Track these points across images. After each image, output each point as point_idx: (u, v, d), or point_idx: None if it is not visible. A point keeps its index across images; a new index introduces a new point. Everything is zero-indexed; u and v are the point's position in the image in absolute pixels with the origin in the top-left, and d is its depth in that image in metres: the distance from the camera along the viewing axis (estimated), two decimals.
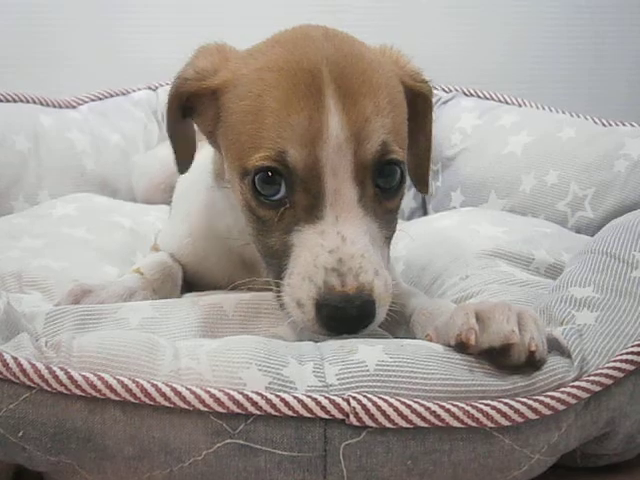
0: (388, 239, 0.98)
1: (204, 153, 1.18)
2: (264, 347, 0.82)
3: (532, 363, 0.81)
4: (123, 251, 1.36)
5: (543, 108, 1.79)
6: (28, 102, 1.77)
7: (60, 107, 1.83)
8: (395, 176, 0.94)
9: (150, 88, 2.02)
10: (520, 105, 1.83)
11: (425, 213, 1.89)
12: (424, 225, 1.47)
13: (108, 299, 1.04)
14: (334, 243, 0.88)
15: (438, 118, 1.87)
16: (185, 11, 2.18)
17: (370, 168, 0.91)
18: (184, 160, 1.10)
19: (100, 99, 1.91)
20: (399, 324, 1.02)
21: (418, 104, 1.06)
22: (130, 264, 1.31)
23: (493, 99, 1.88)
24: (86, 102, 1.88)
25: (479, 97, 1.90)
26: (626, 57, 2.36)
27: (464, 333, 0.81)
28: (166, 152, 1.68)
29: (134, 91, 1.99)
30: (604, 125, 1.66)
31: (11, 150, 1.65)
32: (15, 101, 1.75)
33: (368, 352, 0.82)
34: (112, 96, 1.94)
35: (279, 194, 0.91)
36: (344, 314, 0.86)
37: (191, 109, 1.03)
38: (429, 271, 1.24)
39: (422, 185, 1.17)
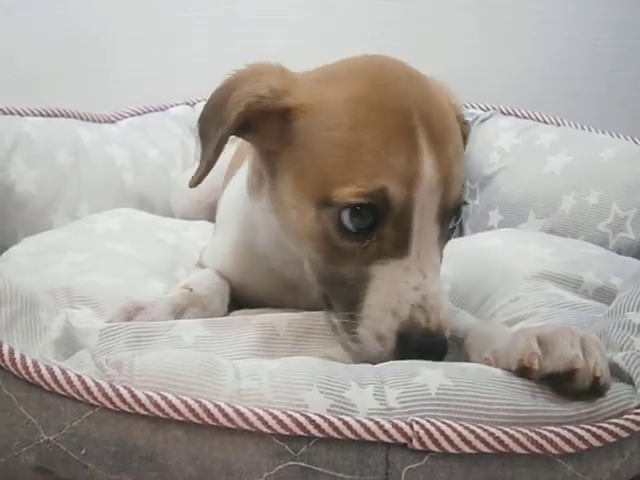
0: None
1: (244, 168, 1.19)
2: (325, 369, 0.82)
3: (596, 389, 0.80)
4: (166, 267, 1.36)
5: (583, 128, 1.79)
6: (68, 117, 1.78)
7: (100, 122, 1.84)
8: (460, 216, 1.01)
9: (188, 104, 2.03)
10: (559, 124, 1.83)
11: (461, 232, 1.88)
12: (467, 245, 1.46)
13: (160, 316, 1.03)
14: (418, 280, 0.92)
15: (476, 137, 1.87)
16: (221, 25, 2.20)
17: (452, 210, 0.97)
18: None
19: (139, 114, 1.92)
20: (450, 347, 1.02)
21: None
22: (173, 280, 1.32)
23: (531, 118, 1.87)
24: (125, 117, 1.90)
25: (517, 116, 1.90)
26: None
27: (527, 357, 0.81)
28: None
29: (172, 106, 2.00)
30: None
31: (52, 165, 1.66)
32: (56, 116, 1.76)
33: (429, 376, 0.82)
34: (150, 111, 1.95)
35: (367, 227, 0.93)
36: (426, 349, 0.90)
37: (247, 126, 1.02)
38: (478, 292, 1.24)
39: None
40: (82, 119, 1.81)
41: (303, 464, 0.75)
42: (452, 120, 1.00)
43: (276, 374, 0.80)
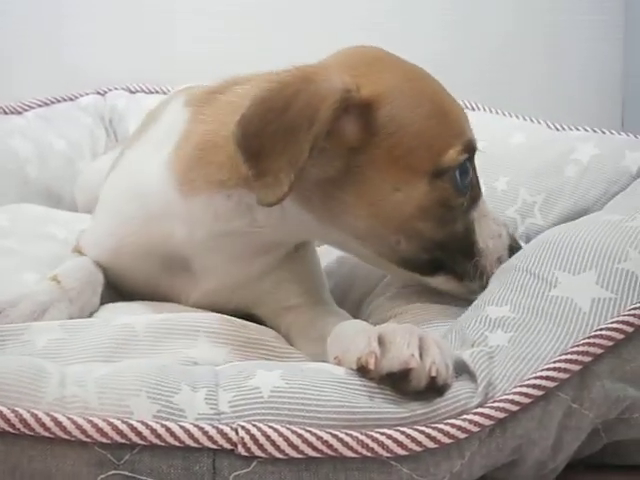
0: None
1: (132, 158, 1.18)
2: (157, 372, 0.79)
3: (435, 389, 0.78)
4: (51, 260, 1.31)
5: (497, 112, 1.77)
6: None
7: (5, 113, 1.80)
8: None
9: (99, 93, 2.00)
10: (474, 109, 1.80)
11: None
12: None
13: (17, 319, 0.99)
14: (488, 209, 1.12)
15: None
16: (132, 16, 2.15)
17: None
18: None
19: (47, 104, 1.88)
20: (315, 343, 1.03)
21: None
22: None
23: None
24: (32, 108, 1.86)
25: None
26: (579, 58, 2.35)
27: (364, 357, 0.79)
28: (105, 164, 1.67)
29: (82, 96, 1.97)
30: (557, 129, 1.64)
31: None
32: None
33: (264, 377, 0.79)
34: (59, 101, 1.91)
35: (470, 179, 1.06)
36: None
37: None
38: (358, 288, 1.22)
39: None
40: None
41: (126, 473, 0.73)
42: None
43: (104, 380, 0.78)
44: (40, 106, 1.87)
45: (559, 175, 1.49)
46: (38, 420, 0.72)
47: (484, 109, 1.79)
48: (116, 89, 2.01)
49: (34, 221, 1.47)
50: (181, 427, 0.74)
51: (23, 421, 0.72)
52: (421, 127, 1.00)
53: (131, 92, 2.02)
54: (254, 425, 0.74)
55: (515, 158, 1.58)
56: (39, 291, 1.07)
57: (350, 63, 1.03)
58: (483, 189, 1.56)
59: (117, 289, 1.19)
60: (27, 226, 1.43)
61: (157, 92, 1.98)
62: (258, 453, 0.73)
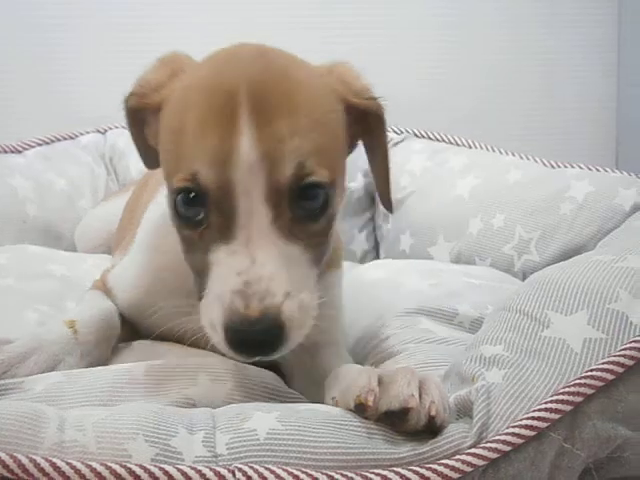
0: (317, 261, 0.95)
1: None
2: (154, 416, 0.80)
3: (433, 429, 0.80)
4: (51, 297, 1.33)
5: (493, 150, 1.79)
6: None
7: (5, 152, 1.81)
8: (318, 199, 0.92)
9: (99, 131, 2.02)
10: (470, 147, 1.83)
11: (377, 255, 1.88)
12: (355, 276, 1.44)
13: (36, 372, 0.97)
14: (243, 265, 0.86)
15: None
16: (132, 54, 2.17)
17: (285, 190, 0.89)
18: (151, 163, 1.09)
19: (47, 143, 1.90)
20: (315, 386, 1.02)
21: (370, 122, 1.03)
22: (58, 310, 1.29)
23: (444, 141, 1.87)
24: (32, 147, 1.87)
25: (430, 139, 1.90)
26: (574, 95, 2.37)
27: (363, 394, 0.80)
28: (106, 211, 1.68)
29: (82, 134, 1.99)
30: (552, 167, 1.66)
31: None
32: None
33: (261, 420, 0.80)
34: (59, 140, 1.93)
35: (199, 214, 0.91)
36: (248, 338, 0.84)
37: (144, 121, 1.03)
38: (354, 331, 1.23)
39: (386, 204, 1.16)
40: None
41: None
42: (300, 97, 0.92)
43: (103, 424, 0.79)
44: (40, 145, 1.89)
45: (555, 212, 1.52)
46: (37, 465, 0.73)
47: (479, 147, 1.81)
48: (116, 127, 2.03)
49: (33, 259, 1.49)
50: (178, 470, 0.74)
51: (22, 467, 0.73)
52: (165, 139, 0.95)
53: None
54: (251, 467, 0.75)
55: (511, 195, 1.61)
56: (53, 341, 1.03)
57: (197, 63, 1.02)
58: (480, 226, 1.60)
59: (137, 327, 1.17)
60: (26, 265, 1.44)
61: None
62: None
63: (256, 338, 0.84)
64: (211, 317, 0.87)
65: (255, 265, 0.86)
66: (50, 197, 1.78)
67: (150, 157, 1.08)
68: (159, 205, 1.15)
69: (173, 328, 1.09)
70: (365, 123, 1.02)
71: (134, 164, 1.93)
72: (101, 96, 2.10)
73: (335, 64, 1.04)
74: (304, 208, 0.91)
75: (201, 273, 0.92)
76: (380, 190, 1.14)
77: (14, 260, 1.47)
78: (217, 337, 0.87)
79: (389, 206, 1.15)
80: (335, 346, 1.13)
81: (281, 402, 0.95)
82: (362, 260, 1.85)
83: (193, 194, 0.90)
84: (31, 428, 0.77)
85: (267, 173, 0.87)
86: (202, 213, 0.90)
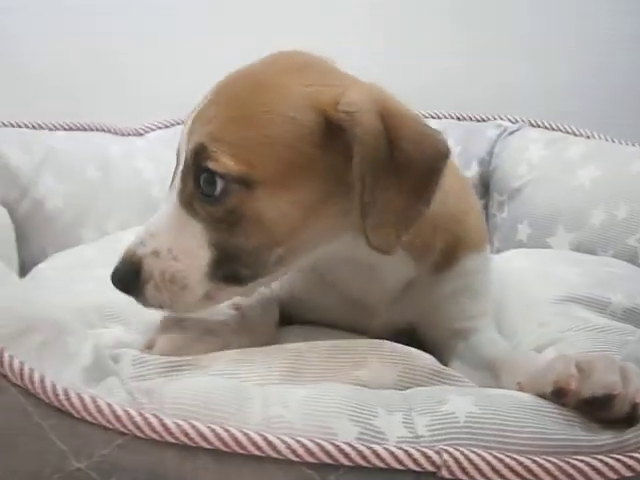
0: (220, 247, 0.97)
1: None
2: (354, 396, 0.82)
3: (634, 416, 0.79)
4: None
5: (612, 140, 1.78)
6: (96, 130, 1.80)
7: (127, 135, 1.85)
8: (214, 186, 0.95)
9: None
10: (588, 137, 1.82)
11: (490, 244, 1.87)
12: (501, 266, 1.44)
13: (206, 352, 0.99)
14: (150, 221, 1.02)
15: (505, 149, 1.87)
16: (237, 35, 2.20)
17: (188, 166, 0.98)
18: None
19: (167, 127, 1.93)
20: (475, 370, 1.03)
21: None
22: None
23: (560, 130, 1.86)
24: (153, 130, 1.91)
25: (546, 128, 1.89)
26: None
27: (563, 380, 0.80)
28: None
29: None
30: None
31: (81, 180, 1.68)
32: (84, 130, 1.78)
33: (457, 403, 0.81)
34: (178, 124, 1.95)
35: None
36: (113, 273, 0.99)
37: None
38: (502, 318, 1.23)
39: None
40: (110, 132, 1.82)
41: None
42: (246, 94, 0.97)
43: (305, 401, 0.80)
44: (160, 128, 1.92)
45: None
46: (250, 439, 0.75)
47: (598, 137, 1.80)
48: None
49: None
50: (386, 449, 0.75)
51: (235, 440, 0.75)
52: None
53: None
54: (456, 449, 0.76)
55: (636, 186, 1.59)
56: (223, 322, 1.07)
57: None
58: (603, 216, 1.59)
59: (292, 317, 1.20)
60: None
61: None
62: (460, 476, 0.75)
63: (115, 274, 0.99)
64: None
65: (151, 221, 1.01)
66: (169, 179, 1.80)
67: None
68: None
69: (321, 316, 1.14)
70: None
71: None
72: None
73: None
74: (202, 190, 0.96)
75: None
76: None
77: None
78: None
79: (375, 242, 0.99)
80: (487, 331, 1.14)
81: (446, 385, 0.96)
82: None
83: None
84: (238, 403, 0.79)
85: (186, 148, 0.99)
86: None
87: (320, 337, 1.07)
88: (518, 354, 0.97)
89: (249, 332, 1.07)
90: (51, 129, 1.72)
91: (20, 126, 1.68)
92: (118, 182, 1.73)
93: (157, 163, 1.81)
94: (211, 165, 0.94)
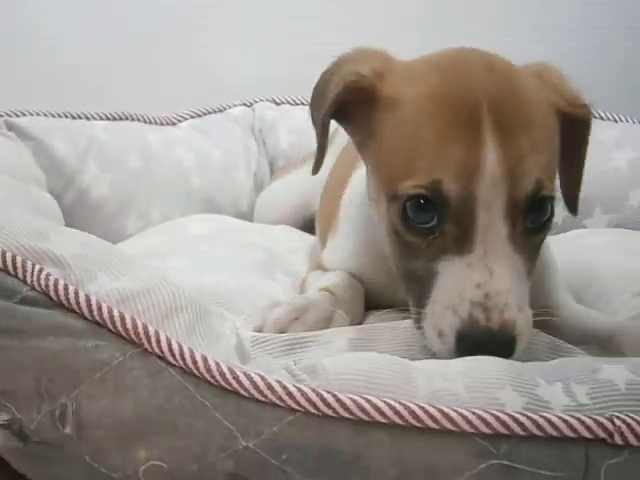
0: (529, 273, 0.96)
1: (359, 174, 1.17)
2: (512, 368, 0.82)
3: None
4: (264, 269, 1.35)
5: None
6: (133, 120, 1.78)
7: (161, 124, 1.83)
8: (546, 212, 0.94)
9: (245, 104, 2.02)
10: (616, 121, 1.84)
11: None
12: (573, 242, 1.47)
13: (314, 326, 1.00)
14: (482, 277, 0.88)
15: None
16: (276, 27, 2.19)
17: (523, 205, 0.91)
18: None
19: (199, 116, 1.91)
20: (577, 344, 1.03)
21: (575, 129, 1.02)
22: (273, 281, 1.31)
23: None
24: (185, 119, 1.89)
25: None
26: None
27: None
28: (289, 183, 1.70)
29: (230, 107, 1.99)
30: None
31: (124, 169, 1.66)
32: (121, 119, 1.75)
33: (612, 371, 0.82)
34: (210, 113, 1.94)
35: (430, 222, 0.92)
36: (485, 349, 0.86)
37: (346, 112, 1.02)
38: (591, 289, 1.24)
39: (572, 206, 1.15)
40: (145, 121, 1.80)
41: (506, 462, 0.75)
42: (534, 110, 0.94)
43: (467, 374, 0.80)
44: (192, 117, 1.90)
45: None
46: (426, 412, 0.75)
47: (630, 121, 1.83)
48: (262, 100, 2.04)
49: (231, 230, 1.50)
50: (558, 417, 0.76)
51: (412, 413, 0.75)
52: (395, 146, 0.95)
53: (277, 104, 2.04)
54: (628, 415, 0.77)
55: None
56: (321, 299, 1.07)
57: (416, 64, 1.02)
58: None
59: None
60: (227, 235, 1.46)
61: (303, 104, 2.00)
62: (633, 442, 0.75)
63: (491, 350, 0.86)
64: (441, 326, 0.90)
65: (493, 278, 0.88)
66: (210, 168, 1.80)
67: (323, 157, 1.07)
68: (354, 186, 1.19)
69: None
70: (570, 130, 1.01)
71: (284, 137, 1.96)
72: (246, 69, 2.15)
73: (539, 67, 1.04)
74: (534, 221, 0.93)
75: (419, 280, 0.94)
76: (568, 194, 1.12)
77: (213, 229, 1.48)
78: (441, 345, 0.90)
79: (574, 208, 1.15)
80: (572, 305, 1.15)
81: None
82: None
83: (424, 201, 0.91)
84: (404, 377, 0.79)
85: (508, 188, 0.89)
86: (434, 221, 0.91)
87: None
88: (634, 324, 0.98)
89: (344, 309, 1.07)
90: (89, 119, 1.69)
91: (60, 116, 1.65)
92: (159, 171, 1.71)
93: (195, 152, 1.80)
94: (546, 192, 0.92)
